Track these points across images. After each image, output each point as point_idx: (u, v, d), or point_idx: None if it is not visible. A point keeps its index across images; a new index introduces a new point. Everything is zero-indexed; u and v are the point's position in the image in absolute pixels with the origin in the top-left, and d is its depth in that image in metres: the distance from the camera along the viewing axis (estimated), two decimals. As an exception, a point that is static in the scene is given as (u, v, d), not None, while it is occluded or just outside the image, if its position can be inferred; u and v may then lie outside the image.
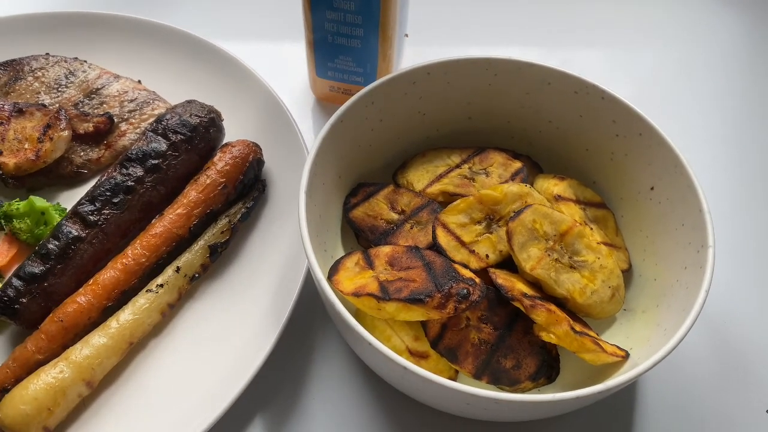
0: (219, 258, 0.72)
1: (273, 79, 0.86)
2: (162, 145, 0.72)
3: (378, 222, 0.71)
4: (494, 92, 0.75)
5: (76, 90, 0.84)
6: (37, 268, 0.66)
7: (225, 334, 0.67)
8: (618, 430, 0.67)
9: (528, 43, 1.05)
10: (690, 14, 1.08)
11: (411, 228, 0.70)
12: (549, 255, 0.64)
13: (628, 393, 0.69)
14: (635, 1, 1.10)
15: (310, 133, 0.88)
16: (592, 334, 0.63)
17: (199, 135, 0.74)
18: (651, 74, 1.00)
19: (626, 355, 0.62)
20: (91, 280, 0.67)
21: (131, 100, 0.84)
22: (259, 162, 0.75)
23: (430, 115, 0.77)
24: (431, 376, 0.51)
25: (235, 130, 0.81)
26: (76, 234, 0.68)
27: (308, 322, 0.72)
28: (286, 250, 0.72)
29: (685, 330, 0.55)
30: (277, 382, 0.68)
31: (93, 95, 0.84)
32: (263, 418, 0.66)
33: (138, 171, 0.71)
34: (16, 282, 0.66)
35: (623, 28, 1.07)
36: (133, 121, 0.82)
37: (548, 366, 0.62)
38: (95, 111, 0.83)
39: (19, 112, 0.79)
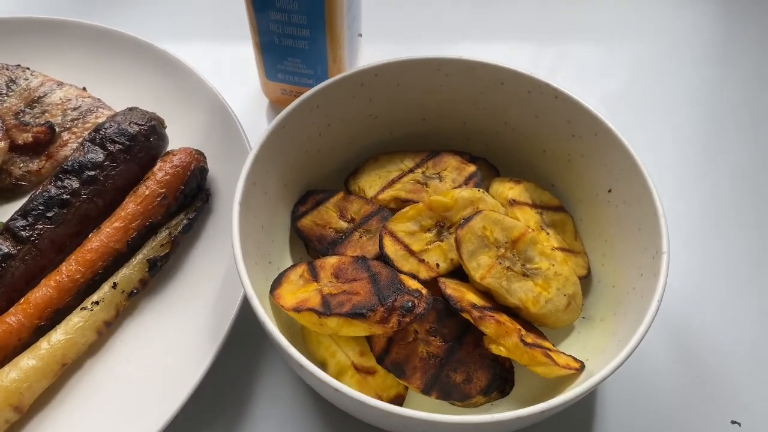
0: (159, 272, 0.69)
1: (227, 81, 0.83)
2: (99, 155, 0.69)
3: (326, 231, 0.69)
4: (447, 93, 0.72)
5: (17, 99, 0.81)
6: (-35, 288, 0.63)
7: (165, 351, 0.65)
8: (577, 443, 0.65)
9: (502, 40, 1.02)
10: (664, 11, 1.06)
11: (360, 237, 0.67)
12: (500, 263, 0.61)
13: (588, 403, 0.67)
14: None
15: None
16: (546, 345, 0.60)
17: (138, 144, 0.71)
18: (633, 71, 0.98)
19: (581, 367, 0.59)
20: (23, 299, 0.64)
21: (74, 108, 0.81)
22: (202, 170, 0.72)
23: (382, 117, 0.74)
24: (363, 398, 0.49)
25: (182, 137, 0.78)
26: (6, 251, 0.65)
27: (254, 338, 0.69)
28: (229, 262, 0.69)
29: (637, 340, 0.52)
30: (218, 402, 0.65)
31: (35, 104, 0.81)
32: (205, 440, 0.64)
33: (74, 183, 0.68)
34: (-57, 302, 0.63)
35: (604, 25, 1.04)
36: (76, 130, 0.79)
37: (501, 379, 0.60)
38: (37, 120, 0.80)
39: (-44, 122, 0.76)
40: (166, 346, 0.65)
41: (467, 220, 0.62)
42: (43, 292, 0.64)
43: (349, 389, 0.49)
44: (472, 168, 0.71)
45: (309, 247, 0.70)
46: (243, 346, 0.68)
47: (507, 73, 0.69)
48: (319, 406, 0.66)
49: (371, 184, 0.73)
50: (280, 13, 0.73)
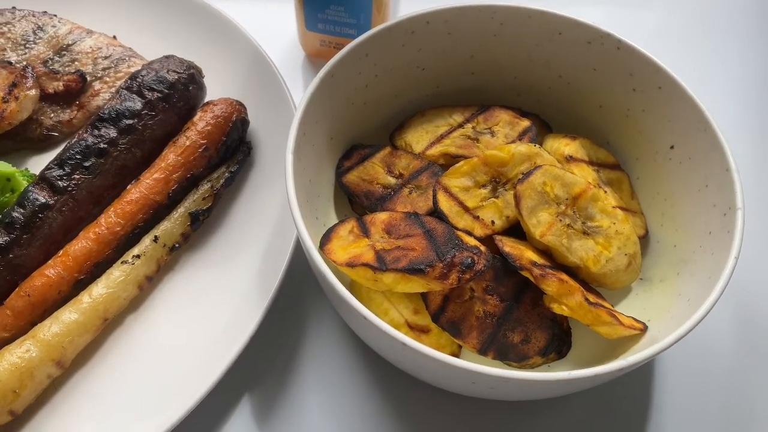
0: (201, 226, 0.67)
1: (260, 34, 0.79)
2: (137, 103, 0.66)
3: (374, 187, 0.66)
4: (500, 44, 0.69)
5: (45, 46, 0.78)
6: (1, 239, 0.60)
7: (208, 308, 0.62)
8: (632, 407, 0.63)
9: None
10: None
11: (410, 193, 0.65)
12: (560, 220, 0.59)
13: (646, 368, 0.65)
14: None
15: (300, 92, 0.82)
16: (607, 305, 0.58)
17: (177, 92, 0.68)
18: (664, 25, 0.94)
19: (644, 328, 0.57)
20: (61, 252, 0.62)
21: (105, 57, 0.77)
22: (243, 122, 0.69)
23: (430, 69, 0.71)
24: (433, 353, 0.46)
25: (218, 88, 0.75)
26: (43, 201, 0.62)
27: (300, 294, 0.67)
28: (273, 217, 0.66)
29: (714, 299, 0.50)
30: (266, 359, 0.63)
31: (64, 52, 0.78)
32: (252, 398, 0.62)
33: (111, 132, 0.65)
34: (-22, 254, 0.60)
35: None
36: (108, 79, 0.76)
37: (559, 340, 0.58)
38: (66, 69, 0.76)
39: (-17, 70, 0.73)
40: (211, 303, 0.63)
41: (527, 175, 0.60)
42: (82, 244, 0.61)
43: (416, 343, 0.47)
44: (526, 123, 0.68)
45: (354, 204, 0.67)
46: (285, 303, 0.66)
47: (566, 22, 0.66)
48: (368, 363, 0.64)
49: (418, 139, 0.70)
50: (325, -44, 0.69)
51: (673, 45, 0.92)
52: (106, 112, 0.66)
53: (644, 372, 0.65)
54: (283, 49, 0.87)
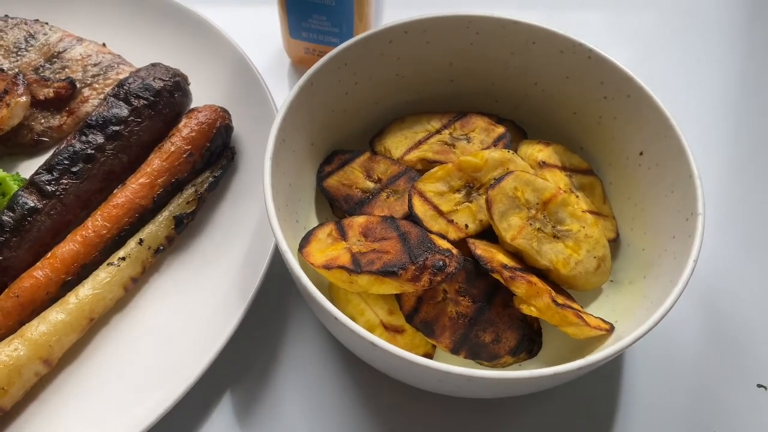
0: (185, 230, 0.69)
1: (246, 42, 0.81)
2: (123, 110, 0.68)
3: (353, 191, 0.68)
4: (476, 52, 0.71)
5: (36, 54, 0.80)
6: (-9, 242, 0.63)
7: (191, 308, 0.64)
8: (604, 404, 0.65)
9: (524, 6, 1.00)
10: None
11: (387, 197, 0.67)
12: (531, 224, 0.61)
13: (615, 366, 0.67)
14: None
15: (286, 98, 0.84)
16: (575, 306, 0.60)
17: (163, 100, 0.70)
18: (650, 38, 0.96)
19: (611, 329, 0.59)
20: (49, 254, 0.64)
21: (95, 64, 0.79)
22: (227, 128, 0.71)
23: (409, 77, 0.73)
24: (401, 352, 0.48)
25: (204, 95, 0.77)
26: (32, 205, 0.64)
27: (281, 295, 0.69)
28: (256, 221, 0.69)
29: (672, 302, 0.52)
30: (247, 358, 0.65)
31: (54, 59, 0.80)
32: (232, 395, 0.64)
33: (98, 138, 0.67)
34: (-30, 256, 0.62)
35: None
36: (97, 86, 0.78)
37: (529, 340, 0.60)
38: (57, 76, 0.79)
39: (-25, 77, 0.75)
40: (193, 304, 0.65)
41: (498, 180, 0.62)
42: (69, 246, 0.63)
43: (385, 343, 0.49)
44: (500, 129, 0.70)
45: (335, 207, 0.69)
46: (266, 304, 0.68)
47: (539, 32, 0.68)
48: (346, 363, 0.66)
49: (397, 144, 0.72)
50: (307, -33, 0.71)
51: (653, 51, 0.94)
52: (94, 118, 0.68)
53: (617, 367, 0.67)
54: (270, 55, 0.89)
